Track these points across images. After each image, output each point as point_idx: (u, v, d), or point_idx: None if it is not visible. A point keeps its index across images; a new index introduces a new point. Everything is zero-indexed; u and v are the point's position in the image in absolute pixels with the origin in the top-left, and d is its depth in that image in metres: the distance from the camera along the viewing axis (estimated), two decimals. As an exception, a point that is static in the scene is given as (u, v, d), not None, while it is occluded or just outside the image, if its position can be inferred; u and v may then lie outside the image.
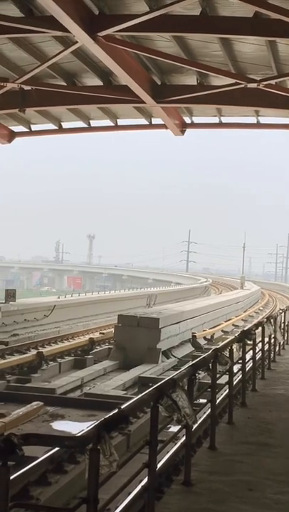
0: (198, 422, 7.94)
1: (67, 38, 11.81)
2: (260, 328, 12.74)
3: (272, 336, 14.29)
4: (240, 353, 10.21)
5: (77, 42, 11.42)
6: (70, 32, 10.71)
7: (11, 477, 3.70)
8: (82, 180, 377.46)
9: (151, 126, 17.68)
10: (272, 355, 14.68)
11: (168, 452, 7.16)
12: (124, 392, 14.71)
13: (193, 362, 7.34)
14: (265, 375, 12.91)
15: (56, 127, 18.02)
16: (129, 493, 5.44)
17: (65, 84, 14.85)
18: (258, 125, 17.00)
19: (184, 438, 6.88)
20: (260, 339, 12.61)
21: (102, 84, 14.75)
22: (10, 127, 18.22)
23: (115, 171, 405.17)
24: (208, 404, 7.93)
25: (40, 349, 19.21)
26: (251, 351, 11.53)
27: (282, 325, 17.80)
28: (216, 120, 17.12)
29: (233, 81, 13.44)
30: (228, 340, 9.73)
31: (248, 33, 11.19)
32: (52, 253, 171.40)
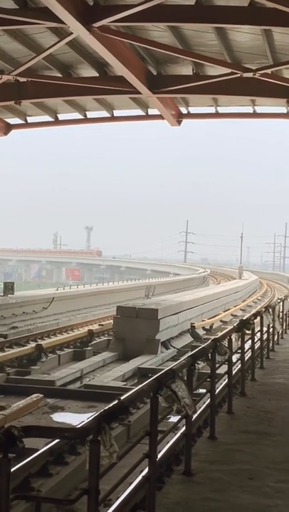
0: (198, 412, 7.94)
1: (62, 30, 11.76)
2: (258, 318, 12.75)
3: (271, 325, 14.32)
4: (239, 342, 10.24)
5: (72, 33, 11.36)
6: (65, 23, 10.66)
7: (12, 469, 3.72)
8: (78, 178, 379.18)
9: (147, 116, 17.63)
10: (270, 345, 14.72)
11: (168, 442, 7.16)
12: (124, 383, 14.74)
13: (193, 352, 7.33)
14: (264, 364, 12.94)
15: (52, 119, 17.97)
16: (130, 484, 5.44)
17: (61, 75, 14.79)
18: (255, 115, 16.95)
19: (183, 428, 6.89)
20: (258, 329, 12.64)
21: (97, 75, 14.69)
22: (6, 120, 18.18)
23: (114, 167, 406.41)
24: (208, 394, 7.95)
25: (40, 341, 19.26)
26: (250, 341, 11.56)
27: (281, 314, 17.84)
28: (212, 110, 17.08)
29: (228, 71, 13.39)
30: (227, 330, 9.74)
31: (243, 22, 11.13)
32: (50, 245, 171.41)
